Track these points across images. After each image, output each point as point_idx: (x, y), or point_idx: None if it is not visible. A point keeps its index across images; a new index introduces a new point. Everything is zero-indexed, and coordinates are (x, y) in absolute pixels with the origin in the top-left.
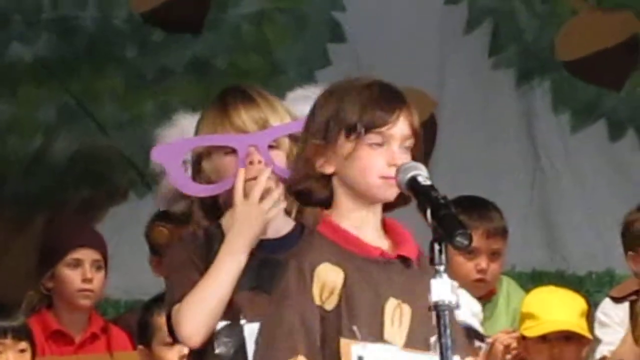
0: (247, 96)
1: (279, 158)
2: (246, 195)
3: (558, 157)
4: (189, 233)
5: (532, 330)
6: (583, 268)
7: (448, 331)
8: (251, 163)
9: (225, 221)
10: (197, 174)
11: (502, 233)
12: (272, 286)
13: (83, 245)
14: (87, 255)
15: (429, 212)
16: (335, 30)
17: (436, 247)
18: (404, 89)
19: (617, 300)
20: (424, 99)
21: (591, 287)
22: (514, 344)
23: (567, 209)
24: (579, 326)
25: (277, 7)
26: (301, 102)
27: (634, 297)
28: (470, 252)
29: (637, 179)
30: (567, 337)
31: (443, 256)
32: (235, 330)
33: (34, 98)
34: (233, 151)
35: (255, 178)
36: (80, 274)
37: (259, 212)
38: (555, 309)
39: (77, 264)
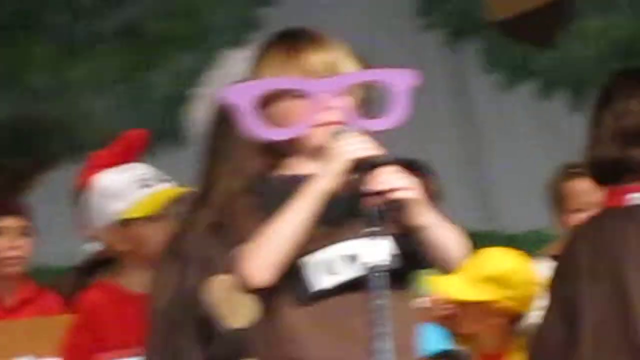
0: (315, 38)
1: (349, 104)
2: (317, 140)
3: (489, 117)
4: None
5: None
6: (514, 228)
7: (386, 291)
8: (325, 109)
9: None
10: (262, 117)
11: (438, 195)
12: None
13: (7, 214)
14: (12, 223)
15: (363, 174)
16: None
17: (373, 208)
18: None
19: (556, 258)
20: None
21: (524, 246)
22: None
23: (499, 169)
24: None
25: None
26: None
27: None
28: None
29: (566, 136)
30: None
31: (378, 217)
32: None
33: None
34: (302, 95)
35: (328, 123)
36: (6, 241)
37: (338, 151)
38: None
39: (2, 232)
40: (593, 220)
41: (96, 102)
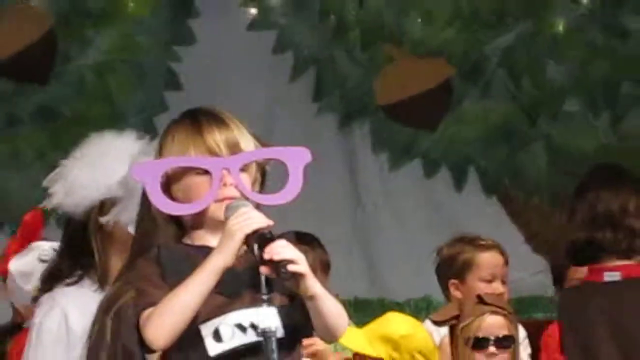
0: (218, 118)
1: (246, 180)
2: (215, 214)
3: (378, 194)
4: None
5: None
6: (402, 296)
7: (275, 355)
8: (224, 185)
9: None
10: (166, 192)
11: (327, 266)
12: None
13: None
14: None
15: (256, 247)
16: (172, 79)
17: (262, 278)
18: None
19: (437, 323)
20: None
21: (410, 313)
22: None
23: (386, 242)
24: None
25: (118, 58)
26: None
27: (454, 322)
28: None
29: (449, 213)
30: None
31: (267, 287)
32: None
33: None
34: (205, 172)
35: (226, 199)
36: None
37: (234, 227)
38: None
39: None
40: (575, 292)
41: (15, 180)
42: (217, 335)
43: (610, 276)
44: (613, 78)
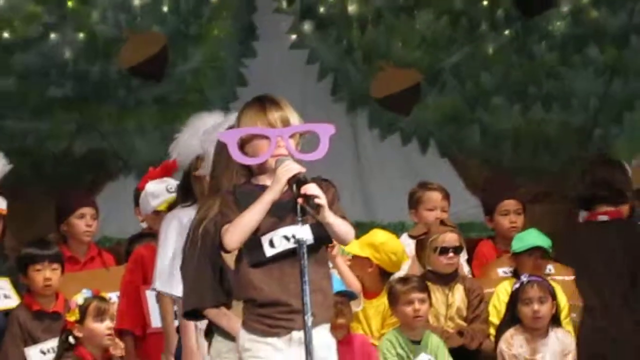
0: (275, 102)
1: (292, 144)
2: (271, 165)
3: (371, 154)
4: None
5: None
6: (385, 220)
7: (305, 257)
8: (278, 146)
9: (261, 180)
10: (241, 150)
11: (337, 199)
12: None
13: (85, 205)
14: (87, 211)
15: (294, 186)
16: (241, 79)
17: (298, 207)
18: None
19: (412, 237)
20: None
21: (390, 231)
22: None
23: (375, 185)
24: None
25: (208, 65)
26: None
27: (423, 237)
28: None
29: (417, 168)
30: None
31: (301, 212)
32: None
33: None
34: (266, 138)
35: (279, 155)
36: (84, 222)
37: (280, 174)
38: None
39: (82, 216)
40: (580, 226)
41: (140, 143)
42: (271, 243)
43: (602, 218)
44: (523, 83)
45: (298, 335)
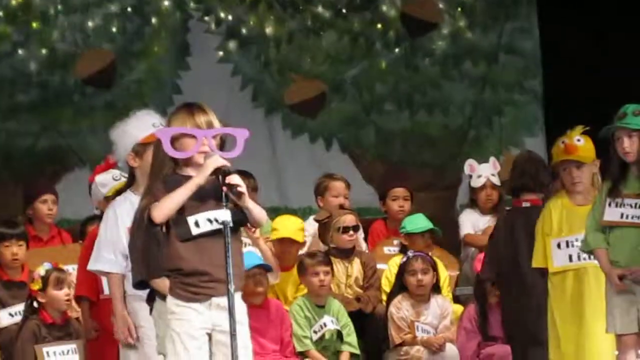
0: (202, 108)
1: (214, 143)
2: (196, 159)
3: (286, 150)
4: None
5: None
6: (296, 205)
7: (229, 236)
8: (203, 144)
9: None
10: (172, 145)
11: (256, 189)
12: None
13: (47, 192)
14: (49, 197)
15: (220, 176)
16: (176, 88)
17: (223, 194)
18: None
19: (317, 221)
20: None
21: (299, 215)
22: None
23: (288, 176)
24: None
25: (149, 76)
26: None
27: (326, 220)
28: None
29: (322, 162)
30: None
31: (225, 199)
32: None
33: None
34: (193, 137)
35: (204, 152)
36: (46, 207)
37: (209, 163)
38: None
39: (45, 201)
40: (509, 212)
41: (92, 140)
42: (196, 224)
43: (525, 204)
44: (411, 92)
45: (217, 301)
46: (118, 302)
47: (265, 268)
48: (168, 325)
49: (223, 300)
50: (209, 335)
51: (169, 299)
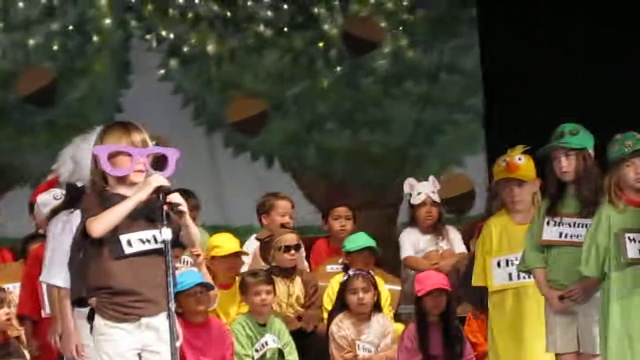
0: (137, 127)
1: (148, 161)
2: (132, 178)
3: (227, 169)
4: (89, 194)
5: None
6: (238, 223)
7: (170, 254)
8: (138, 163)
9: (116, 190)
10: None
11: (197, 207)
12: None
13: None
14: None
15: (161, 195)
16: (117, 106)
17: (164, 212)
18: None
19: (259, 240)
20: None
21: (240, 232)
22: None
23: (230, 195)
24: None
25: (90, 95)
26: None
27: (267, 239)
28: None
29: (264, 180)
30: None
31: (166, 217)
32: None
33: None
34: (129, 155)
35: (139, 170)
36: None
37: (151, 181)
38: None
39: None
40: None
41: (32, 158)
42: (129, 243)
43: None
44: (352, 110)
45: (146, 320)
46: (69, 319)
47: (206, 286)
48: (98, 347)
49: (152, 320)
50: (139, 356)
51: (98, 319)
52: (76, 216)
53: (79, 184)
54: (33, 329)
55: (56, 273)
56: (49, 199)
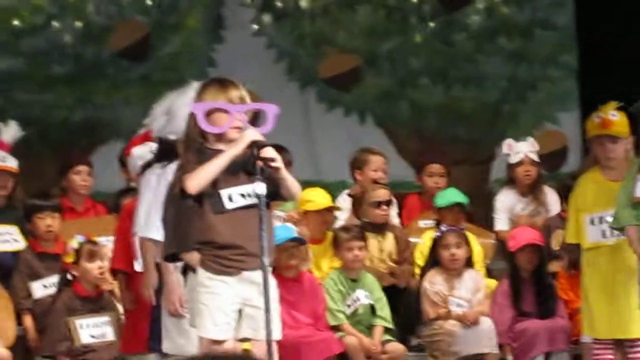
0: (234, 83)
1: (246, 118)
2: (229, 134)
3: (320, 124)
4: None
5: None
6: (331, 178)
7: (264, 209)
8: (236, 120)
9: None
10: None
11: (290, 163)
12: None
13: (82, 164)
14: (83, 168)
15: (255, 149)
16: (211, 61)
17: (258, 167)
18: None
19: (351, 196)
20: None
21: (334, 188)
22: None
23: (323, 150)
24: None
25: (183, 50)
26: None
27: (359, 195)
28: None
29: (357, 136)
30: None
31: (261, 172)
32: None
33: None
34: (226, 112)
35: (237, 127)
36: (81, 178)
37: (245, 136)
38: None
39: (79, 172)
40: None
41: (125, 113)
42: (230, 198)
43: None
44: (445, 67)
45: (247, 274)
46: (171, 272)
47: (299, 241)
48: (197, 299)
49: (253, 275)
50: (239, 312)
51: (200, 271)
52: (170, 170)
53: (172, 137)
54: (126, 282)
55: (154, 227)
56: (145, 151)
